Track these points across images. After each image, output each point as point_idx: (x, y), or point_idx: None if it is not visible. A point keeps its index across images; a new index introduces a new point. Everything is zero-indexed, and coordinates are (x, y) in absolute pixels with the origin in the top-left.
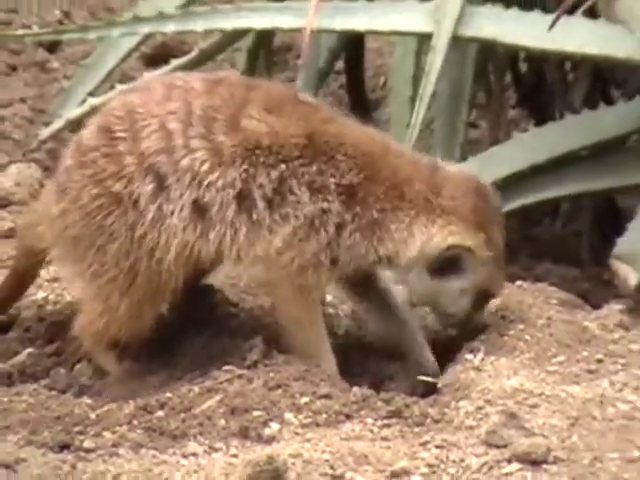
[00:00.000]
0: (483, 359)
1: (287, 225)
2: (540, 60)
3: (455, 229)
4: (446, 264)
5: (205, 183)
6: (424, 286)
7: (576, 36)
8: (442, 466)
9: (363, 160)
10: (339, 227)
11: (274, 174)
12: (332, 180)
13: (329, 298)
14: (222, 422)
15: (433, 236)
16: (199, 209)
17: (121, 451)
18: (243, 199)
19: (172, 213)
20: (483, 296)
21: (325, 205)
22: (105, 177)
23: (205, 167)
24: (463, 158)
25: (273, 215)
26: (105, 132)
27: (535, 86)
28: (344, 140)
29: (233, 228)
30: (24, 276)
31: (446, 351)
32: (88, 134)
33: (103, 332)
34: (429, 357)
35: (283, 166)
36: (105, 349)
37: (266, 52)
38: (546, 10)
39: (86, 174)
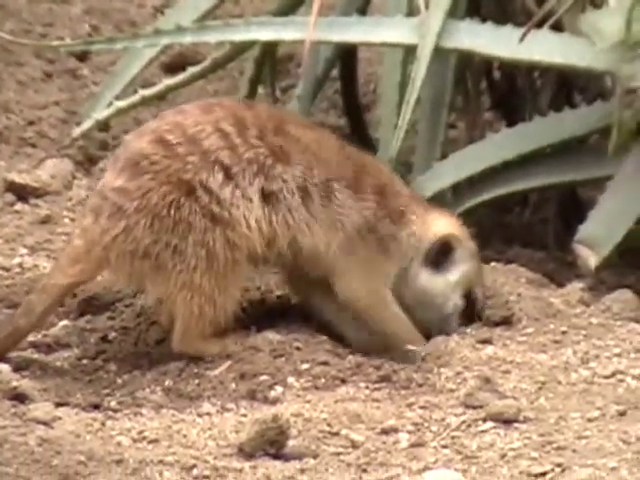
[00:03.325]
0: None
1: (339, 230)
2: (512, 68)
3: (447, 224)
4: (440, 254)
5: (271, 174)
6: (419, 284)
7: (543, 47)
8: (425, 424)
9: (384, 170)
10: (377, 222)
11: (323, 175)
12: (368, 181)
13: None
14: (233, 385)
15: (429, 228)
16: (266, 196)
17: (144, 411)
18: (303, 191)
19: (243, 197)
20: (469, 301)
21: (365, 204)
22: (170, 173)
23: (269, 161)
24: (443, 155)
25: (325, 213)
26: (159, 142)
27: (507, 91)
28: (364, 155)
29: (294, 216)
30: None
31: None
32: (138, 149)
33: (202, 319)
34: None
35: (329, 168)
36: (209, 341)
37: (271, 61)
38: (517, 24)
39: (146, 178)
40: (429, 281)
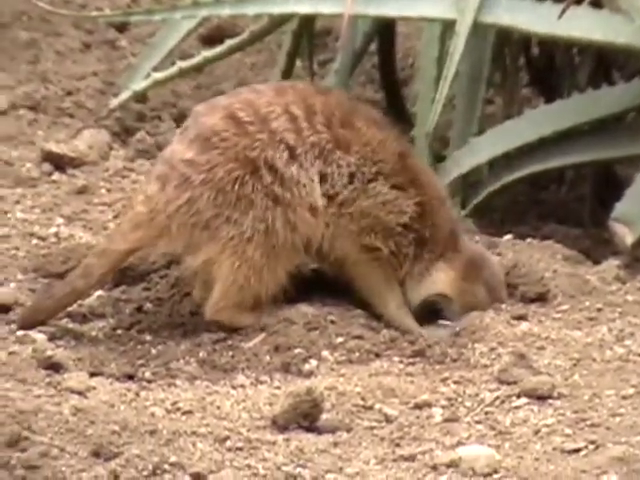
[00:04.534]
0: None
1: (371, 210)
2: (550, 45)
3: (444, 280)
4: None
5: (329, 159)
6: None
7: (582, 24)
8: (459, 399)
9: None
10: (406, 212)
11: (374, 169)
12: (413, 195)
13: None
14: (267, 358)
15: (426, 281)
16: (322, 178)
17: (178, 382)
18: (352, 178)
19: (305, 177)
20: None
21: (400, 194)
22: (238, 150)
23: (329, 146)
24: (480, 131)
25: (362, 199)
26: (230, 119)
27: (545, 68)
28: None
29: (340, 199)
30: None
31: None
32: (211, 124)
33: (243, 291)
34: None
35: (381, 165)
36: (243, 312)
37: (308, 35)
38: (556, 0)
39: (215, 153)
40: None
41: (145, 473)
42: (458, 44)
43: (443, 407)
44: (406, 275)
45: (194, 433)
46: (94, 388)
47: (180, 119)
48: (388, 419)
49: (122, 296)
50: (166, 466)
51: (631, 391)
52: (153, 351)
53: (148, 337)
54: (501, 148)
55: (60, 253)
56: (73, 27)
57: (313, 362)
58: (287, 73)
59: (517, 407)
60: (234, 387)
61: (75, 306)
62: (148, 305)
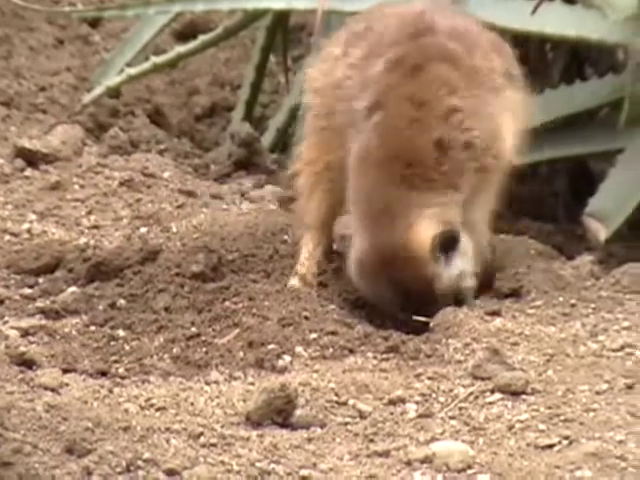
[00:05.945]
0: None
1: None
2: (524, 41)
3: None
4: None
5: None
6: None
7: (555, 20)
8: (433, 395)
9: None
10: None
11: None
12: None
13: None
14: (240, 354)
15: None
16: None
17: (152, 378)
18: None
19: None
20: None
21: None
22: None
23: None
24: None
25: None
26: None
27: (519, 63)
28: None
29: None
30: None
31: None
32: None
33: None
34: None
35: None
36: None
37: (283, 31)
38: None
39: None
40: None
41: (119, 469)
42: None
43: (417, 403)
44: None
45: (168, 429)
46: (67, 385)
47: (154, 114)
48: (362, 415)
49: (95, 292)
50: (140, 462)
51: (605, 386)
52: (126, 347)
53: (122, 333)
54: None
55: (33, 249)
56: (46, 22)
57: (287, 358)
58: (261, 68)
59: (491, 403)
60: (208, 383)
61: (48, 302)
62: (121, 301)
